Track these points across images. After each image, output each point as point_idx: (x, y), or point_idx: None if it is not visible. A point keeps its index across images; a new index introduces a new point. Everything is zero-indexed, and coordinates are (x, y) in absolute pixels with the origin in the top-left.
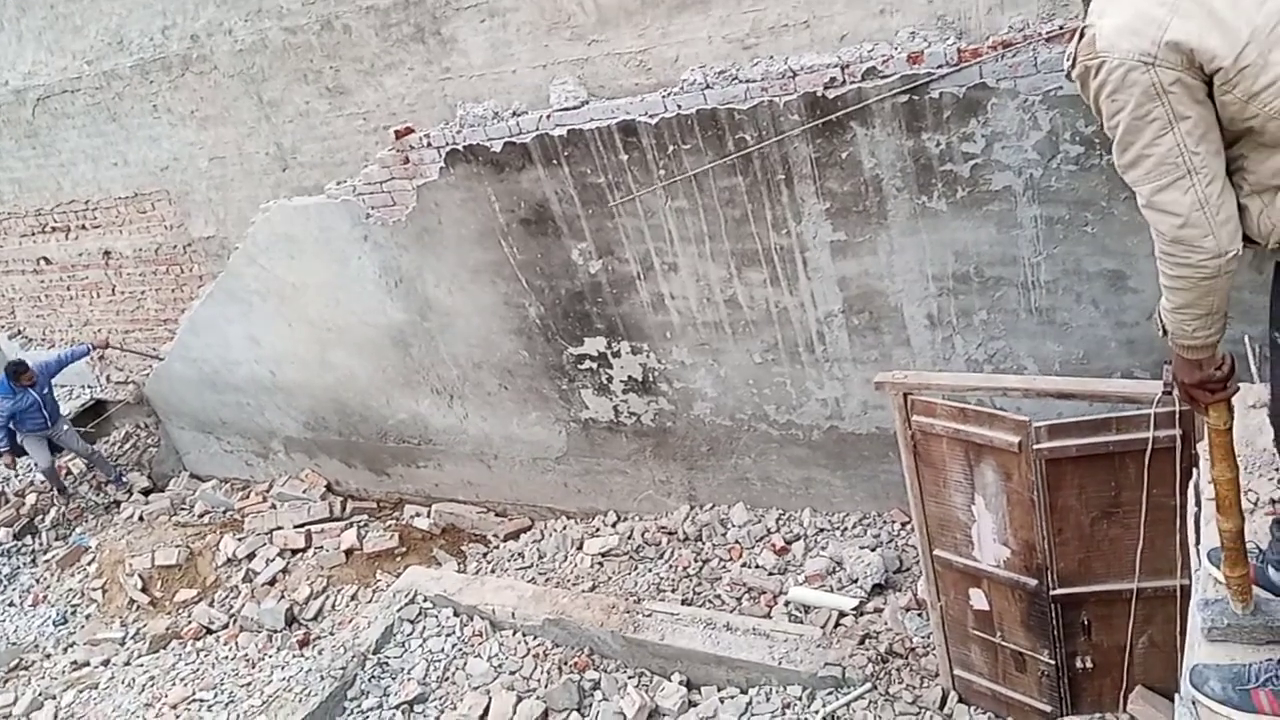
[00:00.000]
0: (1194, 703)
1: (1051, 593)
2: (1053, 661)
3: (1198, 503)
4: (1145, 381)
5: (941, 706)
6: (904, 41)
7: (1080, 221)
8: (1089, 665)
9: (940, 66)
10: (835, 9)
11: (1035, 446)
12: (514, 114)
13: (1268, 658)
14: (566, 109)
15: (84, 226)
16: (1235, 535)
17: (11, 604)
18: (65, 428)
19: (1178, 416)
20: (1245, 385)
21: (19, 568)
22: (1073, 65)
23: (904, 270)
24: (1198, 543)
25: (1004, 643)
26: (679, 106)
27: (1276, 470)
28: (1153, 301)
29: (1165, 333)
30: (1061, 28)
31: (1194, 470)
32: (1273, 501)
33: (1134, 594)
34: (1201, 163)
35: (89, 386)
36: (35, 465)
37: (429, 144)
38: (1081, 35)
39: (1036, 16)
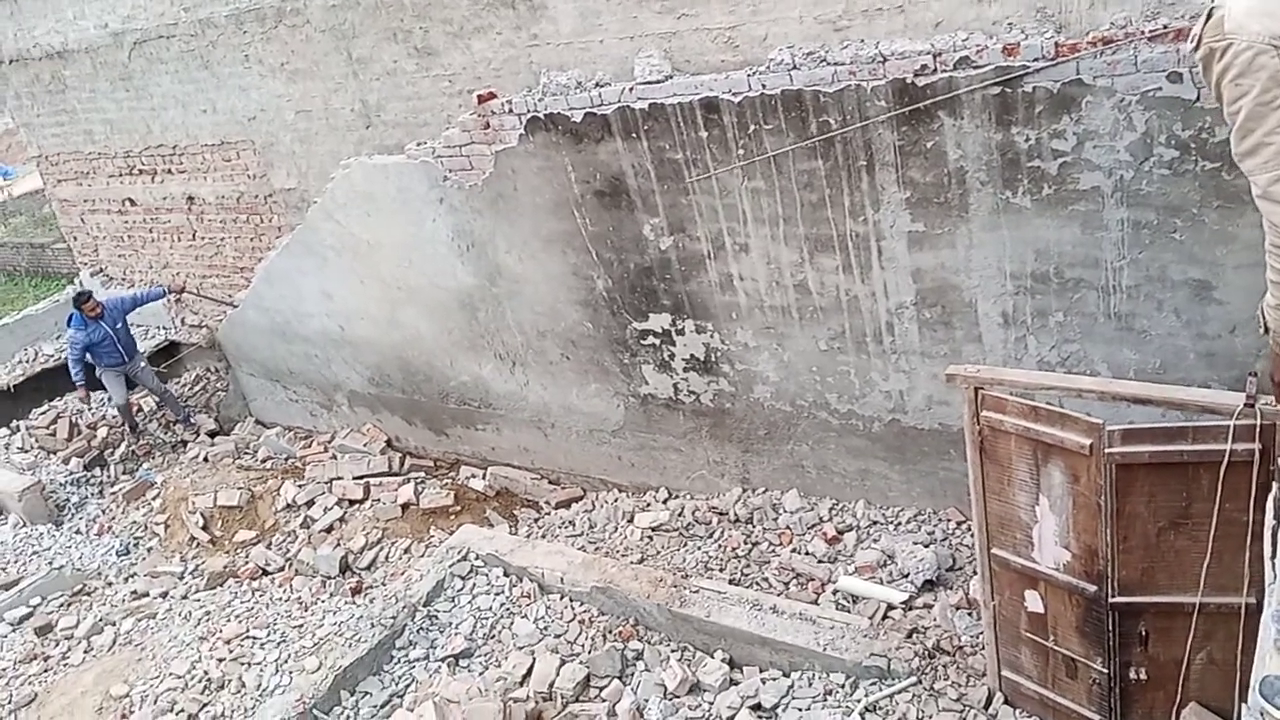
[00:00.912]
0: (1263, 714)
1: (1111, 600)
2: (1105, 670)
3: (1276, 516)
4: (1226, 392)
5: (986, 706)
6: (1000, 32)
7: (1169, 228)
8: (1143, 677)
9: (1036, 60)
10: None
11: (1107, 450)
12: (596, 85)
13: None
14: (650, 82)
15: (170, 171)
16: None
17: (78, 532)
18: (142, 365)
19: (1258, 430)
20: None
21: (87, 498)
22: (1196, 47)
23: (981, 266)
24: (1274, 556)
25: (1056, 647)
26: (764, 86)
27: None
28: (1238, 315)
29: (1266, 330)
30: (1165, 27)
31: (1273, 484)
32: None
33: (1196, 608)
34: None
35: (164, 328)
36: (110, 399)
37: (510, 110)
38: (1209, 17)
39: (1140, 14)
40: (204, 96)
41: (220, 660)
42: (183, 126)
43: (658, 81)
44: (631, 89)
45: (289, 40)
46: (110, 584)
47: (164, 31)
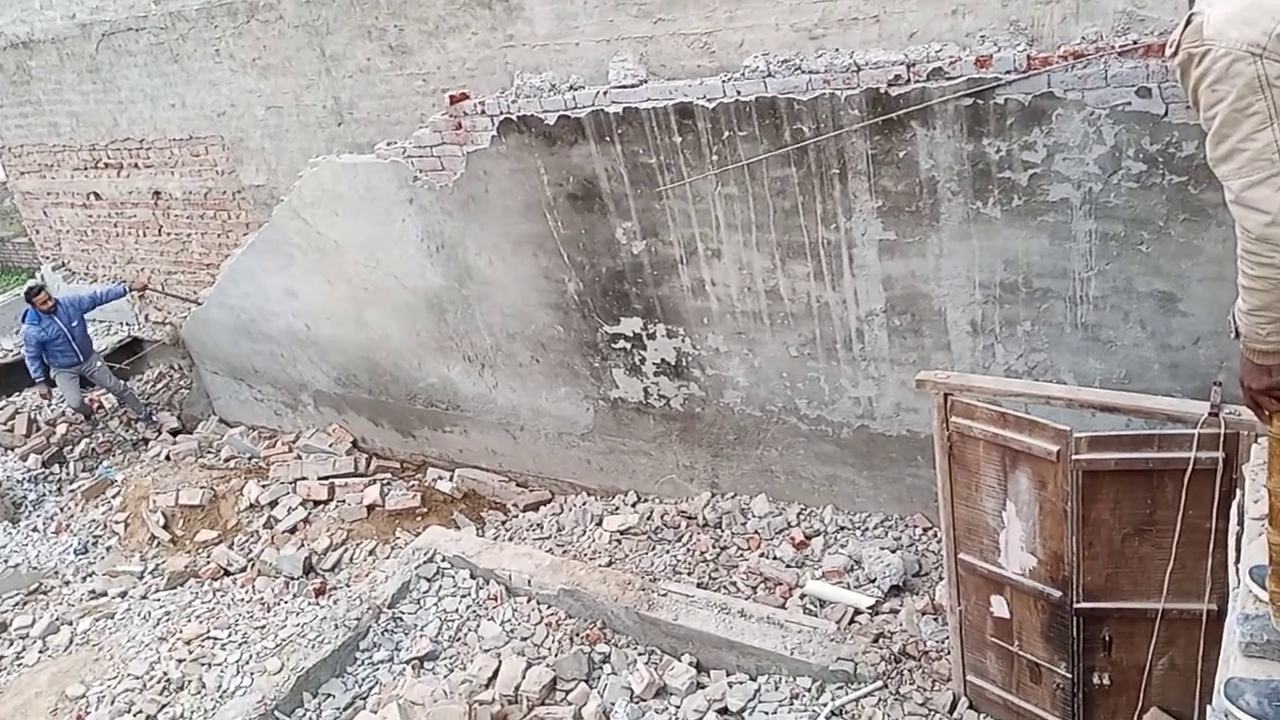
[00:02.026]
0: (1227, 715)
1: (1075, 606)
2: (1069, 675)
3: (1240, 522)
4: (1191, 401)
5: (951, 711)
6: (973, 44)
7: (1135, 240)
8: (1106, 682)
9: (1008, 72)
10: (907, 5)
11: (1074, 457)
12: (571, 88)
13: None
14: (624, 86)
15: (136, 165)
16: None
17: (35, 530)
18: (99, 364)
19: (1222, 439)
20: None
21: (45, 495)
22: (1175, 52)
23: (951, 274)
24: (1237, 561)
25: (1021, 652)
26: (738, 93)
27: None
28: (1202, 327)
29: (1237, 335)
30: (1135, 42)
31: (1236, 491)
32: None
33: (1159, 614)
34: None
35: (127, 324)
36: (64, 399)
37: (482, 111)
38: (1188, 23)
39: (1111, 29)
40: (173, 90)
41: (180, 661)
42: (150, 120)
43: (632, 86)
44: (606, 93)
45: (261, 35)
46: (68, 583)
47: (133, 24)
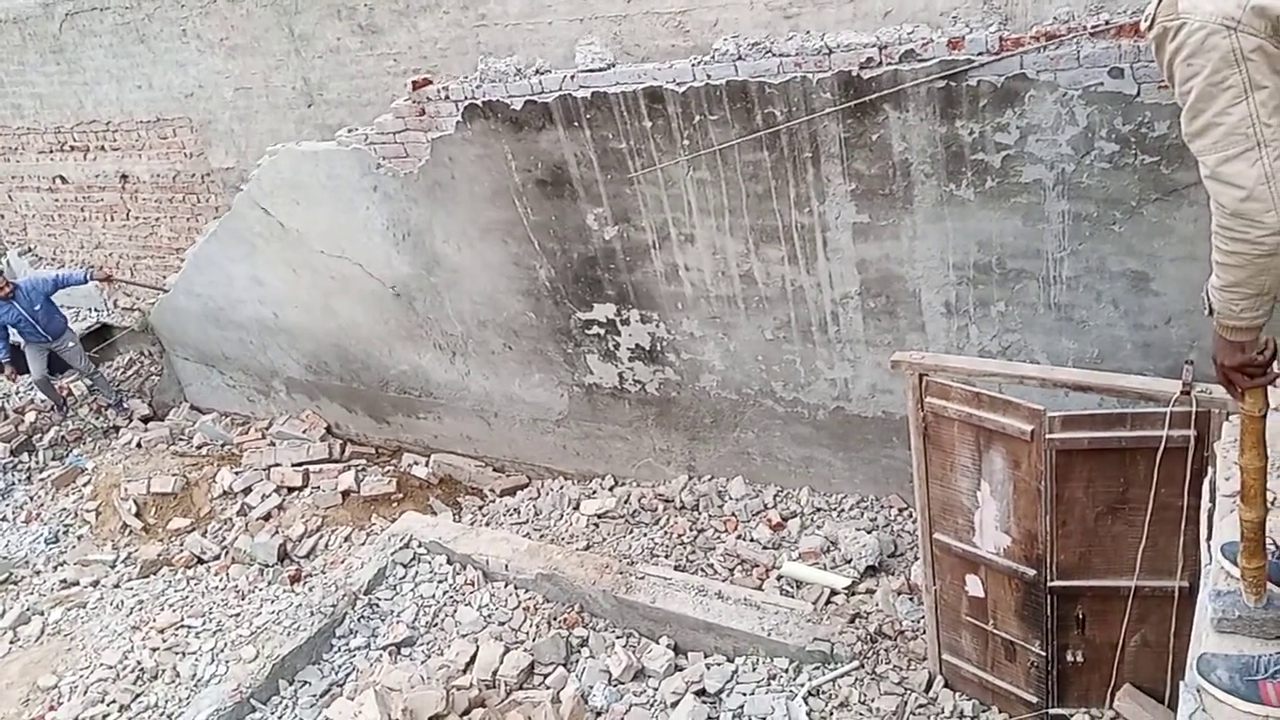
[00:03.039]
0: (1199, 690)
1: (1049, 584)
2: (1043, 653)
3: (1212, 499)
4: (1163, 380)
5: (927, 689)
6: (946, 25)
7: (1108, 220)
8: (1079, 659)
9: (980, 54)
10: None
11: (1048, 436)
12: (537, 72)
13: (1276, 651)
14: (592, 70)
15: (103, 148)
16: (1257, 526)
17: (4, 519)
18: (71, 345)
19: (1194, 417)
20: (1273, 387)
21: (14, 484)
22: (1150, 26)
23: (925, 256)
24: (1209, 538)
25: (996, 631)
26: (708, 76)
27: None
28: (1174, 306)
29: (1211, 311)
30: (1108, 22)
31: (1208, 469)
32: None
33: (1132, 591)
34: (1272, 135)
35: (95, 310)
36: (30, 374)
37: (446, 96)
38: None
39: (1083, 9)
40: (139, 71)
41: (154, 650)
42: (117, 102)
43: (600, 70)
44: (573, 77)
45: (229, 15)
46: (38, 573)
47: (97, 3)
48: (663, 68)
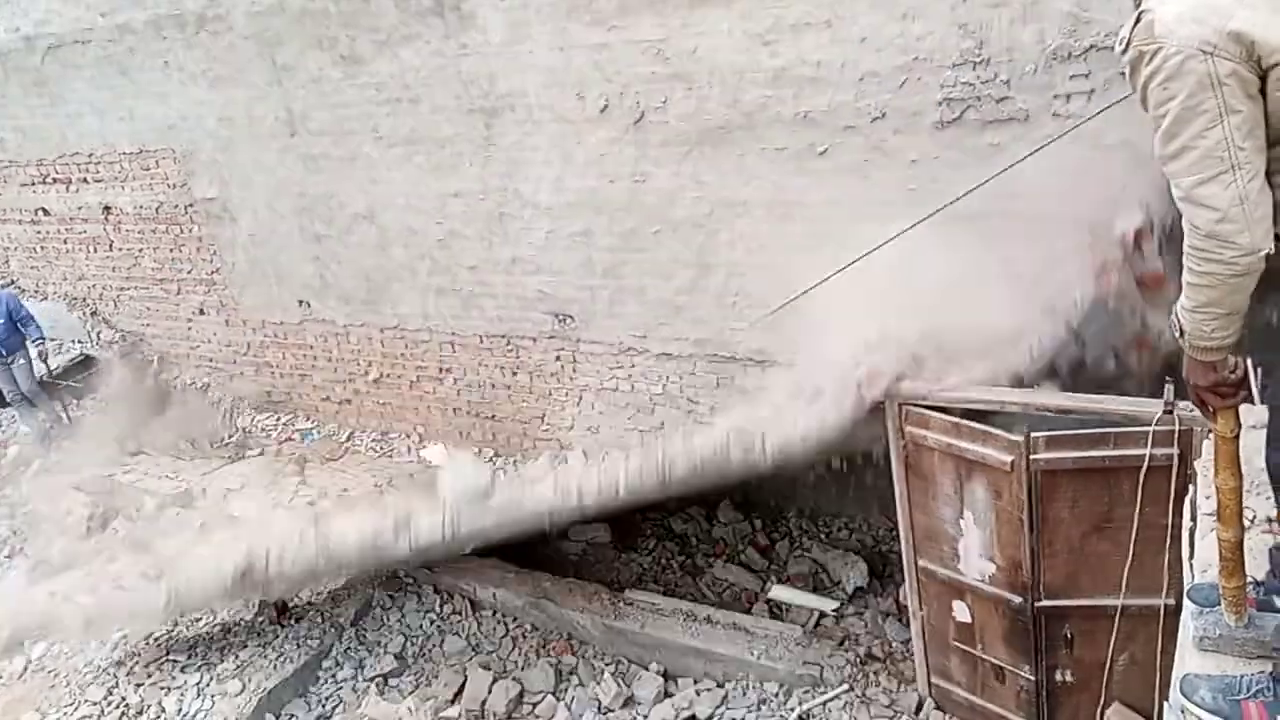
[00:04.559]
0: (1183, 711)
1: (1036, 604)
2: (1032, 677)
3: (1193, 518)
4: (1145, 399)
5: (917, 713)
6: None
7: None
8: (1068, 679)
9: None
10: (859, 9)
11: (1032, 456)
12: None
13: (1259, 670)
14: None
15: (85, 180)
16: (1234, 546)
17: None
18: (23, 362)
19: (1176, 435)
20: (1245, 407)
21: None
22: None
23: None
24: (1191, 557)
25: (984, 655)
26: None
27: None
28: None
29: (1181, 334)
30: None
31: (1189, 487)
32: (1269, 519)
33: (1119, 610)
34: (1246, 158)
35: (79, 341)
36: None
37: None
38: (1138, 20)
39: (1057, 30)
40: (122, 103)
41: (139, 685)
42: (99, 134)
43: None
44: None
45: (211, 47)
46: None
47: (79, 36)
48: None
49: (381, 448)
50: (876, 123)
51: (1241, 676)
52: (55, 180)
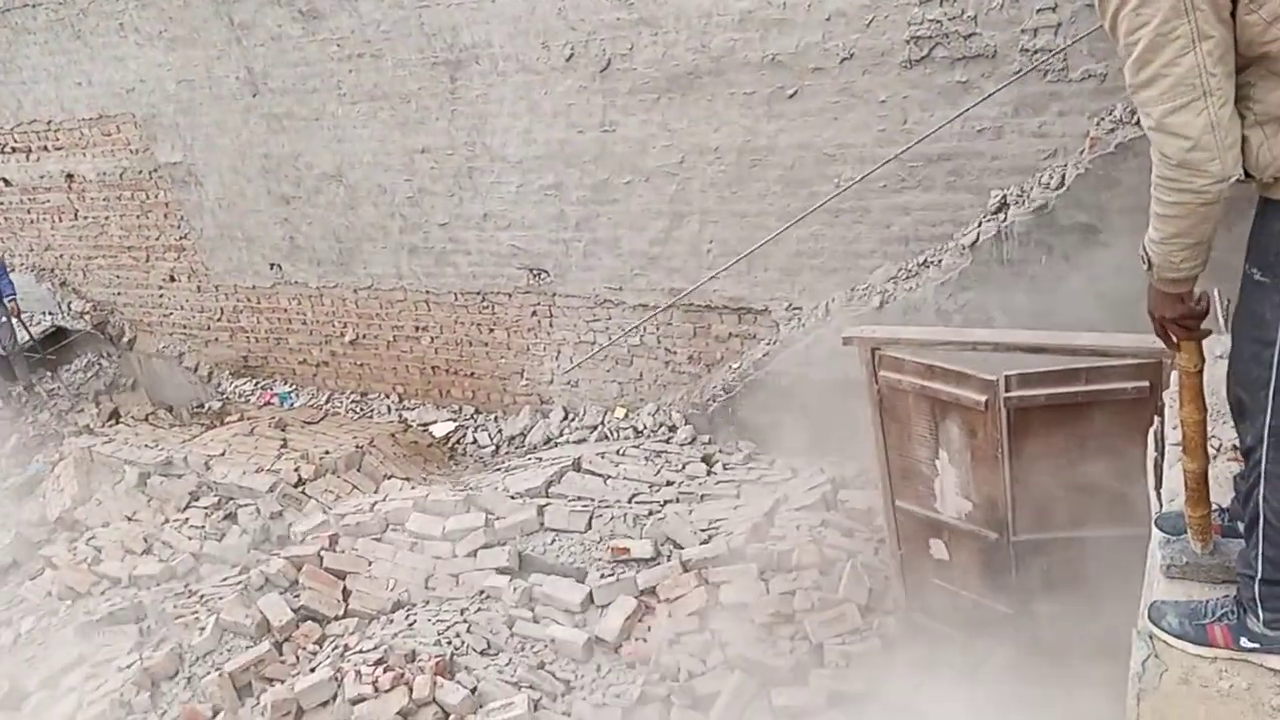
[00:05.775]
0: (1151, 636)
1: (1013, 540)
2: (1009, 611)
3: (1159, 449)
4: (1116, 334)
5: None
6: None
7: None
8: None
9: None
10: None
11: (1005, 395)
12: None
13: (1223, 594)
14: None
15: (46, 148)
16: (1199, 476)
17: None
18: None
19: (1146, 368)
20: (1213, 336)
21: None
22: None
23: None
24: (1158, 486)
25: (963, 591)
26: None
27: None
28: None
29: (1149, 266)
30: None
31: (1155, 418)
32: (1234, 447)
33: (1095, 542)
34: (1217, 85)
35: (50, 313)
36: None
37: None
38: None
39: None
40: (78, 68)
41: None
42: (56, 101)
43: None
44: None
45: (165, 6)
46: None
47: (29, 0)
48: None
49: (361, 409)
50: (845, 63)
51: (1206, 601)
52: (14, 150)
